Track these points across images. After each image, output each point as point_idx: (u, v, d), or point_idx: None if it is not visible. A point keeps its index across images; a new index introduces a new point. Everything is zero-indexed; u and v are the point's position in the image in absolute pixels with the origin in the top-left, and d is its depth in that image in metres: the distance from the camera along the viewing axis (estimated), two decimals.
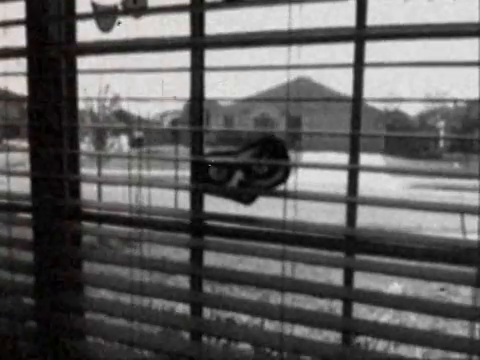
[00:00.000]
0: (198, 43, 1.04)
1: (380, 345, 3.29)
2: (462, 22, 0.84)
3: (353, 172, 0.97)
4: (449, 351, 0.93)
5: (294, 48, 0.92)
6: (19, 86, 1.26)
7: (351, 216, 0.98)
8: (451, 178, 1.03)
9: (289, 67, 0.87)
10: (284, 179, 1.03)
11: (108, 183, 1.29)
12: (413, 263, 0.97)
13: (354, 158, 0.96)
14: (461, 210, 0.94)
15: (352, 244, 0.98)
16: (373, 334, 1.01)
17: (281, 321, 0.98)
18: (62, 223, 1.22)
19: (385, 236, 0.97)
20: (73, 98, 1.22)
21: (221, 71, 0.99)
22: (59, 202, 1.21)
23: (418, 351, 3.30)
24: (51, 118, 1.19)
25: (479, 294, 0.89)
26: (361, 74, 0.94)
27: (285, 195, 0.98)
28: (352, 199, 0.97)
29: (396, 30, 0.90)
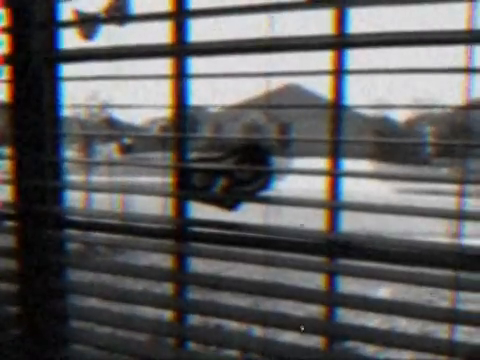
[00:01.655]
0: (180, 50, 1.05)
1: (370, 350, 3.29)
2: (447, 30, 0.86)
3: (334, 178, 0.98)
4: (436, 354, 0.94)
5: (278, 55, 0.93)
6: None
7: (333, 221, 0.99)
8: (435, 183, 1.04)
9: (269, 74, 0.88)
10: (267, 185, 1.04)
11: (92, 190, 1.28)
12: (396, 267, 0.98)
13: (335, 163, 0.97)
14: (444, 215, 0.95)
15: (334, 249, 0.99)
16: (358, 338, 1.02)
17: (264, 327, 0.98)
18: (45, 230, 1.22)
19: (367, 240, 0.98)
20: (56, 105, 1.22)
21: (203, 78, 1.00)
22: (42, 209, 1.21)
23: (407, 355, 3.31)
24: (34, 125, 1.19)
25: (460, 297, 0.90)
26: (341, 81, 0.95)
27: (268, 201, 0.99)
28: (334, 204, 0.98)
29: (377, 38, 0.91)
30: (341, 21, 0.94)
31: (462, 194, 0.86)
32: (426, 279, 0.94)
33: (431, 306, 0.97)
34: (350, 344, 3.17)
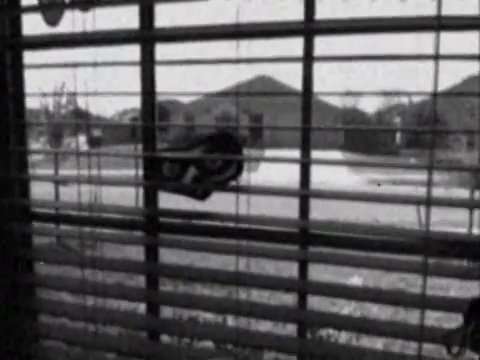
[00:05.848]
0: (147, 36, 1.02)
1: (343, 338, 3.35)
2: (416, 16, 0.86)
3: (305, 166, 0.97)
4: (405, 340, 0.95)
5: (248, 43, 0.92)
6: None
7: (304, 209, 0.99)
8: (404, 172, 1.05)
9: (238, 61, 0.87)
10: (237, 174, 1.03)
11: (59, 181, 1.25)
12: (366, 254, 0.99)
13: (306, 152, 0.97)
14: (409, 201, 0.96)
15: (305, 237, 0.99)
16: (329, 325, 1.03)
17: (236, 316, 0.98)
18: (11, 224, 1.18)
19: (337, 228, 0.98)
20: (21, 94, 1.17)
21: (171, 65, 0.97)
22: (8, 201, 1.17)
23: (379, 342, 3.37)
24: None
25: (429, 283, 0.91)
26: (310, 68, 0.95)
27: (238, 190, 0.98)
28: (304, 192, 0.98)
29: (346, 24, 0.91)
30: (309, 7, 0.93)
31: (430, 182, 0.87)
32: (396, 265, 0.96)
33: (396, 292, 0.98)
34: (323, 332, 3.22)
